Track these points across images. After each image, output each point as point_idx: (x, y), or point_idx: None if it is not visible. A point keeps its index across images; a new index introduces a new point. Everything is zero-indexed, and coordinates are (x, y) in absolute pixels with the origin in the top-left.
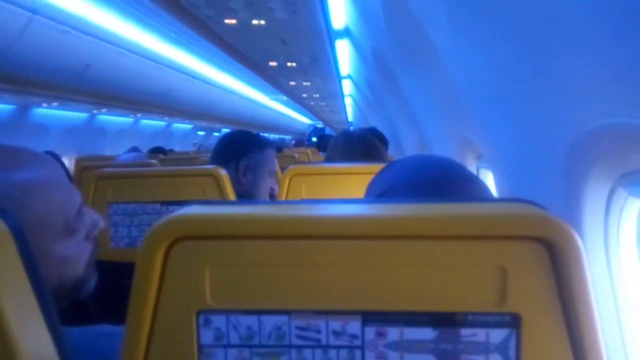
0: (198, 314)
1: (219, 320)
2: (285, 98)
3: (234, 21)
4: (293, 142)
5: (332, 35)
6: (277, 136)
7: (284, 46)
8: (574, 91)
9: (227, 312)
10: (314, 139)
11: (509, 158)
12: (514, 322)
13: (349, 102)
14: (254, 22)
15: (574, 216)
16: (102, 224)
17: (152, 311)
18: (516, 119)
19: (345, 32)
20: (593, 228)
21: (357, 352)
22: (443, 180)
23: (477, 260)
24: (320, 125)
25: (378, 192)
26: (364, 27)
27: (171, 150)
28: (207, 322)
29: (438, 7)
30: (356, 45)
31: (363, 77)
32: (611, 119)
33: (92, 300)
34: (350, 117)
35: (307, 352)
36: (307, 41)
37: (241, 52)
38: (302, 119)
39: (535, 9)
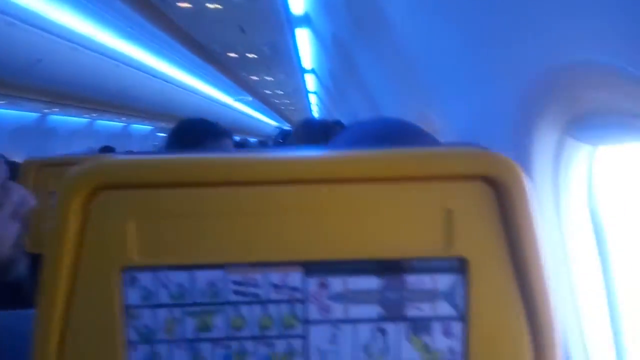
0: (123, 271)
1: (146, 278)
2: (250, 99)
3: (188, 5)
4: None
5: (292, 23)
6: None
7: (243, 35)
8: (529, 33)
9: (155, 268)
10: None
11: (463, 130)
12: (461, 266)
13: (314, 100)
14: (210, 6)
15: (524, 165)
16: (32, 202)
17: (71, 270)
18: (469, 85)
19: (305, 20)
20: (543, 176)
21: (299, 306)
22: (393, 132)
23: (421, 203)
24: (287, 127)
25: None
26: (323, 11)
27: (129, 152)
28: (133, 281)
29: None
30: (317, 34)
31: (326, 70)
32: (563, 60)
33: (30, 286)
34: (315, 116)
35: (245, 309)
36: (266, 29)
37: (198, 42)
38: (268, 121)
39: None
